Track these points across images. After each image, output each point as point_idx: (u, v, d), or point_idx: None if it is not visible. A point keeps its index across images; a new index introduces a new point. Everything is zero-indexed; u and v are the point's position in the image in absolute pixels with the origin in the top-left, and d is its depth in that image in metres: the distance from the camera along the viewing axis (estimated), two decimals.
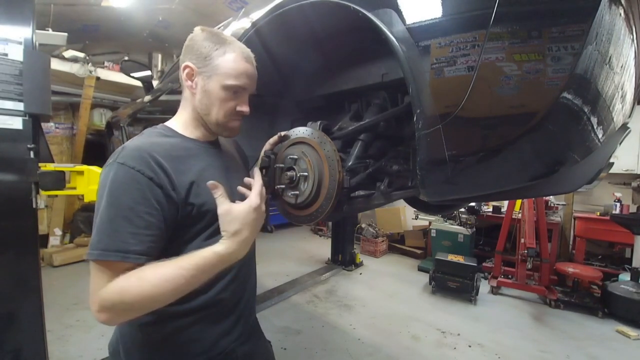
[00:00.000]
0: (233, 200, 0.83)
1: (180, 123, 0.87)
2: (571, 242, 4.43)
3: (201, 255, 0.67)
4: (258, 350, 0.99)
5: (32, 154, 1.51)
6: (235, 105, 0.82)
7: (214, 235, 0.77)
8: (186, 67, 0.82)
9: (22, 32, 1.51)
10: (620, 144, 0.90)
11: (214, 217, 0.78)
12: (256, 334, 1.02)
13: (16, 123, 1.48)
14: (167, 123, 0.88)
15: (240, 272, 0.89)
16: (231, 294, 0.86)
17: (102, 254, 0.65)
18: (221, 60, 0.80)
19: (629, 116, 0.80)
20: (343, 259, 4.50)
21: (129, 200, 0.67)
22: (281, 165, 1.03)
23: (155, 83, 2.97)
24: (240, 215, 0.72)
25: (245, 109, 0.84)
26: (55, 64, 3.99)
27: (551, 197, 4.29)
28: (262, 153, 1.06)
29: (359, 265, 4.58)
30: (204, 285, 0.71)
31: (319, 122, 1.08)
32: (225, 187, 0.83)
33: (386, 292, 3.78)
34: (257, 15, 1.20)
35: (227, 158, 0.94)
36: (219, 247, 0.69)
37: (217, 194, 0.72)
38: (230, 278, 0.85)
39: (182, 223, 0.75)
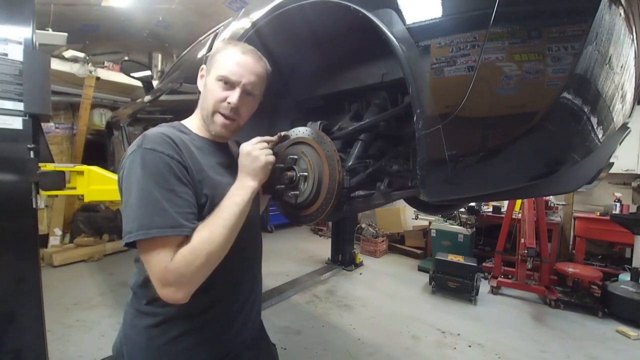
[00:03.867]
0: None
1: (194, 122, 0.89)
2: (571, 242, 4.43)
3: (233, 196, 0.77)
4: (263, 354, 0.99)
5: (32, 154, 1.51)
6: (225, 96, 0.82)
7: None
8: (201, 69, 0.90)
9: (22, 32, 1.51)
10: (620, 144, 0.89)
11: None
12: (262, 338, 1.01)
13: (16, 123, 1.48)
14: (182, 121, 0.90)
15: (246, 276, 0.89)
16: (236, 297, 0.87)
17: (160, 231, 0.66)
18: (219, 56, 0.84)
19: (629, 116, 0.80)
20: (343, 259, 4.50)
21: (168, 183, 0.69)
22: (281, 165, 1.03)
23: (155, 83, 2.96)
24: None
25: (232, 99, 0.81)
26: (55, 64, 3.99)
27: (551, 197, 4.29)
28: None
29: (359, 265, 4.58)
30: (208, 286, 0.72)
31: (319, 122, 1.08)
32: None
33: (386, 292, 3.78)
34: (257, 15, 1.20)
35: (234, 159, 0.94)
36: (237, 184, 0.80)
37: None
38: (235, 281, 0.85)
39: None
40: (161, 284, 0.66)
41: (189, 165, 0.75)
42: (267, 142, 0.89)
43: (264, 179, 0.84)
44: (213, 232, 0.70)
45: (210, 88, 0.83)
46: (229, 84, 0.82)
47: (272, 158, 0.86)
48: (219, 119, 0.83)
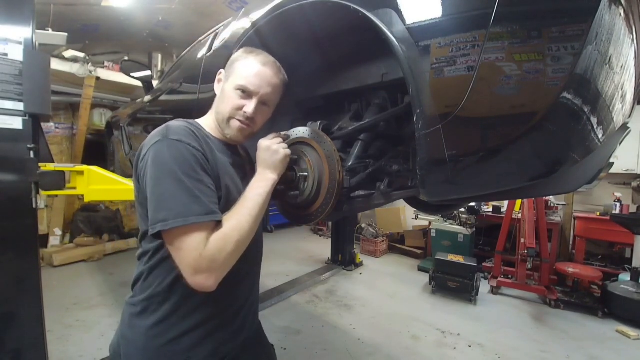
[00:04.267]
0: None
1: (208, 123, 0.91)
2: (571, 242, 4.43)
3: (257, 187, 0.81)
4: (262, 355, 0.99)
5: (32, 154, 1.51)
6: (242, 104, 0.85)
7: None
8: (219, 73, 0.92)
9: (22, 32, 1.51)
10: (620, 144, 0.89)
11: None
12: (260, 338, 1.02)
13: (16, 123, 1.48)
14: (197, 120, 0.91)
15: (246, 277, 0.90)
16: (236, 298, 0.87)
17: (198, 218, 0.68)
18: (239, 64, 0.86)
19: (629, 116, 0.80)
20: (343, 259, 4.50)
21: (196, 173, 0.72)
22: None
23: (155, 83, 2.96)
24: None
25: (248, 109, 0.84)
26: (55, 64, 3.99)
27: (551, 197, 4.29)
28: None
29: (359, 265, 4.58)
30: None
31: (319, 122, 1.08)
32: (242, 188, 0.84)
33: (386, 292, 3.78)
34: (257, 15, 1.20)
35: (244, 162, 0.97)
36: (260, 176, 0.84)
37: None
38: (236, 281, 0.85)
39: None
40: (194, 271, 0.67)
41: (210, 159, 0.77)
42: (282, 138, 0.92)
43: (283, 172, 0.87)
44: (240, 220, 0.73)
45: (228, 95, 0.85)
46: (246, 93, 0.84)
47: (289, 151, 0.89)
48: (235, 123, 0.86)
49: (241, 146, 1.02)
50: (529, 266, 3.45)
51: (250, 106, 0.84)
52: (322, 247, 5.29)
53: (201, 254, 0.67)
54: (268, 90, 0.86)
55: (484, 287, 3.80)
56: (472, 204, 4.42)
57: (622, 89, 0.68)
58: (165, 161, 0.71)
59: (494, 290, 3.75)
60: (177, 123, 0.79)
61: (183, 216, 0.67)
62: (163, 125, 0.78)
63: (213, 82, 0.95)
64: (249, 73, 0.84)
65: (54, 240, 4.45)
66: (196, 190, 0.70)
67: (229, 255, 0.70)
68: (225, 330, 0.85)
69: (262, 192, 0.80)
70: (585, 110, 0.62)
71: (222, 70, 0.92)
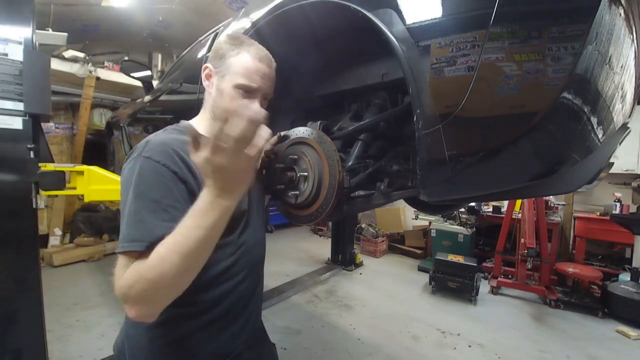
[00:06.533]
0: (252, 201, 0.87)
1: (201, 123, 0.88)
2: (571, 242, 4.43)
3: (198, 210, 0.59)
4: (264, 354, 1.00)
5: (32, 154, 1.51)
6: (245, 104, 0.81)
7: (230, 234, 0.79)
8: (205, 68, 0.85)
9: (22, 32, 1.51)
10: (620, 144, 0.89)
11: (233, 218, 0.74)
12: (262, 337, 1.02)
13: (16, 123, 1.48)
14: (191, 121, 0.89)
15: (249, 278, 0.89)
16: (240, 297, 0.87)
17: (130, 245, 0.63)
18: (234, 60, 0.82)
19: (629, 116, 0.80)
20: (343, 259, 4.50)
21: (155, 193, 0.67)
22: (281, 165, 1.03)
23: (155, 83, 2.96)
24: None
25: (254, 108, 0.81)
26: (55, 64, 3.99)
27: (551, 197, 4.29)
28: (262, 153, 1.06)
29: (359, 265, 4.58)
30: (212, 288, 0.70)
31: (319, 122, 1.08)
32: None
33: (386, 292, 3.78)
34: (257, 15, 1.20)
35: None
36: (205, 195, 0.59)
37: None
38: (239, 282, 0.85)
39: None
40: (118, 296, 0.63)
41: (190, 177, 0.72)
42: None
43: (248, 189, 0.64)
44: (164, 258, 0.59)
45: (228, 95, 0.82)
46: (249, 92, 0.82)
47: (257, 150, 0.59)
48: None
49: None
50: (529, 266, 3.46)
51: (255, 105, 0.80)
52: (322, 247, 5.29)
53: (117, 282, 0.63)
54: (268, 84, 0.84)
55: (484, 287, 3.80)
56: (472, 204, 4.43)
57: (622, 89, 0.68)
58: (129, 181, 0.68)
59: (494, 290, 3.75)
60: (158, 139, 0.74)
61: (121, 242, 0.64)
62: (145, 140, 0.75)
63: None
64: (249, 70, 0.80)
65: (54, 240, 4.45)
66: (145, 212, 0.65)
67: (145, 293, 0.60)
68: (229, 330, 0.85)
69: (205, 225, 0.58)
70: (585, 110, 0.62)
71: (208, 65, 0.85)
